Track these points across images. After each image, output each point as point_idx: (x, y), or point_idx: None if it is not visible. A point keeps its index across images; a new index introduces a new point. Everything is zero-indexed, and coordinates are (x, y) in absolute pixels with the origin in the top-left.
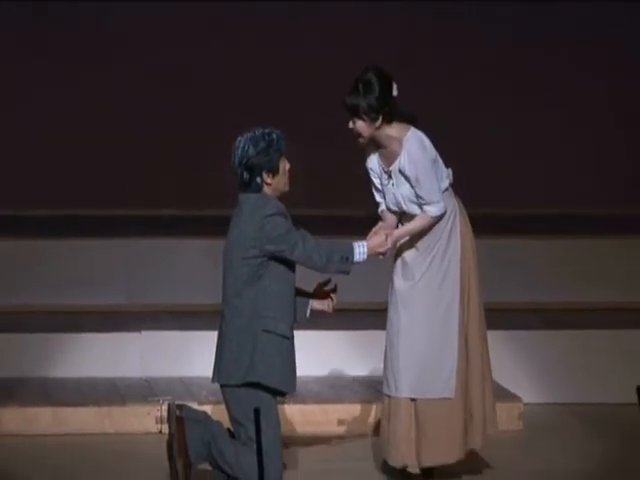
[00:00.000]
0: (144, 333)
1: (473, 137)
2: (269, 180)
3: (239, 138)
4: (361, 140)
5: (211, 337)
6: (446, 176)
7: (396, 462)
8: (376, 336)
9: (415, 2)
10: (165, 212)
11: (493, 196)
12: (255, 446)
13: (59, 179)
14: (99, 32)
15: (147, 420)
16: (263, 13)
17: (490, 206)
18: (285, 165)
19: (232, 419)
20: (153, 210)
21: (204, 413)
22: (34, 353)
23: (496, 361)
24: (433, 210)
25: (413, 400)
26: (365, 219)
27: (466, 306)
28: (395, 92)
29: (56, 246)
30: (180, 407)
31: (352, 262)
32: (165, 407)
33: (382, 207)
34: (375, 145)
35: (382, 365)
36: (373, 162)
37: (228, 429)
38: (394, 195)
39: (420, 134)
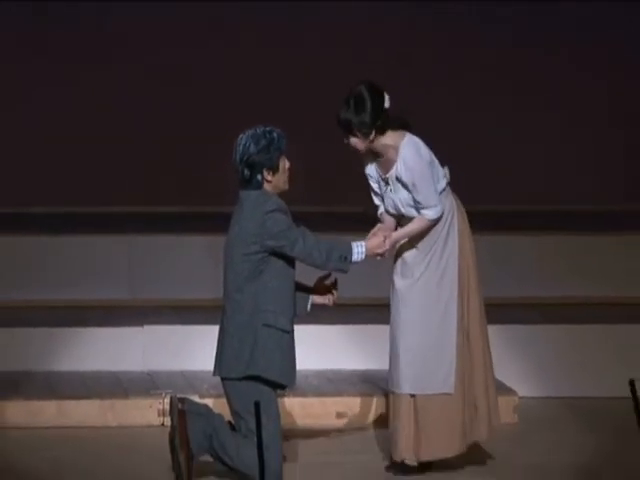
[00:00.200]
0: (146, 328)
1: (472, 136)
2: (269, 177)
3: (241, 135)
4: (358, 152)
5: (212, 331)
6: (443, 176)
7: (396, 456)
8: (374, 331)
9: (415, 2)
10: (166, 209)
11: (491, 193)
12: (255, 438)
13: (64, 178)
14: (99, 32)
15: (149, 413)
16: (263, 13)
17: (488, 203)
18: (285, 164)
19: (233, 412)
20: (155, 207)
21: (205, 406)
22: (38, 347)
23: (492, 355)
24: (430, 214)
25: (413, 396)
26: (363, 216)
27: (466, 303)
28: (387, 104)
29: (60, 243)
30: (182, 400)
31: (350, 262)
32: (167, 400)
33: (381, 210)
34: (372, 153)
35: (380, 359)
36: (371, 169)
37: (229, 422)
38: (392, 200)
39: (415, 140)
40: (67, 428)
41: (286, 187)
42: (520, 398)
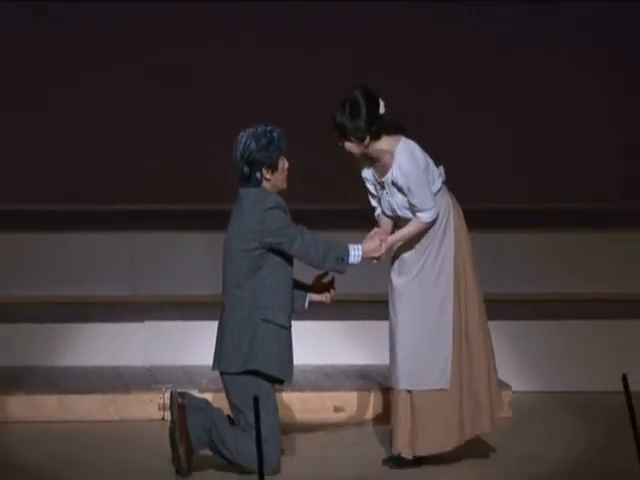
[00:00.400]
0: (147, 323)
1: (467, 136)
2: (268, 176)
3: (241, 133)
4: (352, 155)
5: (212, 327)
6: (438, 175)
7: (393, 450)
8: (371, 326)
9: (415, 2)
10: (167, 207)
11: (488, 192)
12: (254, 432)
13: (67, 176)
14: (99, 32)
15: (150, 407)
16: (263, 13)
17: (482, 202)
18: (284, 163)
19: (232, 406)
20: (156, 205)
21: (205, 400)
22: (41, 342)
23: None
24: (426, 216)
25: (410, 392)
26: (362, 212)
27: (463, 300)
28: (382, 110)
29: (63, 240)
30: (182, 395)
31: (347, 263)
32: (167, 395)
33: (378, 212)
34: (368, 157)
35: (377, 354)
36: (367, 173)
37: (228, 416)
38: (389, 202)
39: (410, 145)
40: (69, 422)
41: (284, 186)
42: (514, 392)
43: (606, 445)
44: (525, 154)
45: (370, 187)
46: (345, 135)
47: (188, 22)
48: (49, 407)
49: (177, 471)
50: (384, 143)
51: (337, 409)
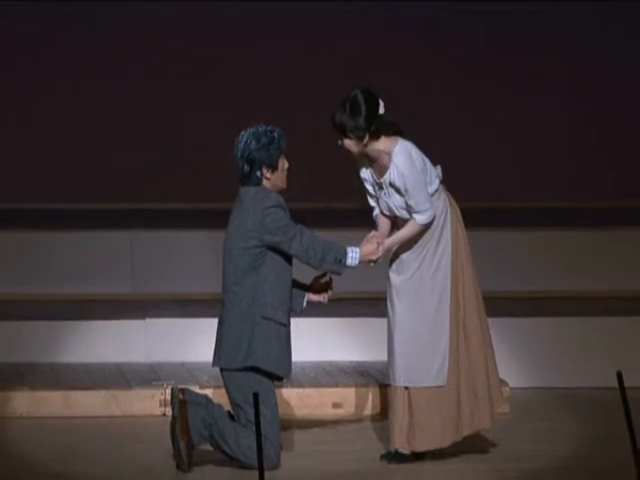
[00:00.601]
0: (148, 320)
1: (466, 134)
2: (268, 175)
3: (242, 133)
4: (351, 154)
5: (212, 324)
6: (435, 176)
7: (390, 446)
8: (370, 324)
9: (415, 2)
10: (168, 206)
11: (486, 191)
12: (254, 428)
13: (70, 176)
14: (99, 32)
15: (152, 403)
16: (263, 13)
17: (480, 200)
18: (284, 163)
19: (232, 402)
20: (156, 204)
21: (206, 396)
22: (44, 339)
23: None
24: (422, 218)
25: (407, 388)
26: (360, 211)
27: (461, 297)
28: (382, 110)
29: (66, 239)
30: (183, 391)
31: (345, 265)
32: (169, 391)
33: (376, 211)
34: (366, 157)
35: (375, 351)
36: (366, 173)
37: (228, 412)
38: (387, 203)
39: (408, 146)
40: (72, 418)
41: (284, 186)
42: (511, 388)
43: (602, 440)
44: (522, 153)
45: (369, 187)
46: (344, 133)
47: (188, 22)
48: (52, 403)
49: (178, 466)
50: (382, 144)
51: (336, 405)
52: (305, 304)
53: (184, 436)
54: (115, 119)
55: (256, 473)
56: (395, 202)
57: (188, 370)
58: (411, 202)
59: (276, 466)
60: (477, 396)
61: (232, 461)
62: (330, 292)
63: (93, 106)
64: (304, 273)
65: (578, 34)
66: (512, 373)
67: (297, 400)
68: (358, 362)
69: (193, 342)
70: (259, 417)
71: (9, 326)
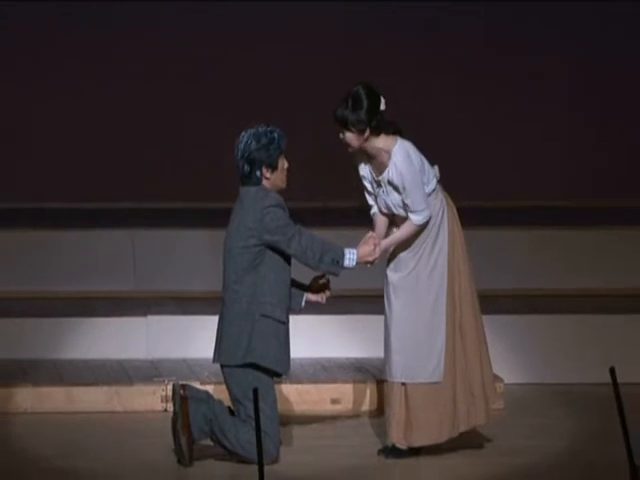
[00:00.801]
0: (150, 318)
1: (464, 134)
2: (268, 175)
3: (243, 133)
4: (350, 149)
5: (212, 321)
6: (433, 176)
7: (388, 441)
8: (367, 321)
9: (415, 2)
10: (169, 205)
11: (483, 191)
12: (254, 423)
13: (71, 175)
14: (99, 31)
15: (153, 399)
16: (263, 13)
17: (476, 199)
18: (284, 163)
19: (232, 398)
20: (158, 203)
21: (206, 392)
22: (47, 336)
23: None
24: (418, 219)
25: (404, 384)
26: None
27: (457, 295)
28: (383, 107)
29: (69, 237)
30: (184, 387)
31: (342, 266)
32: (170, 387)
33: (374, 210)
34: (366, 155)
35: (372, 348)
36: (365, 170)
37: (228, 407)
38: (385, 200)
39: (406, 146)
40: (74, 413)
41: (284, 186)
42: (505, 384)
43: (595, 435)
44: (522, 153)
45: (367, 185)
46: (346, 126)
47: (188, 22)
48: (55, 398)
49: (179, 461)
50: (382, 141)
51: (334, 401)
52: (304, 304)
53: (185, 431)
54: (115, 119)
55: (255, 467)
56: (393, 200)
57: (189, 366)
58: (408, 201)
59: (275, 460)
60: (473, 394)
61: (232, 456)
62: (328, 292)
63: (93, 106)
64: (303, 273)
65: (578, 34)
66: (507, 369)
67: (296, 396)
68: (356, 358)
69: (194, 339)
70: (258, 412)
71: (13, 323)
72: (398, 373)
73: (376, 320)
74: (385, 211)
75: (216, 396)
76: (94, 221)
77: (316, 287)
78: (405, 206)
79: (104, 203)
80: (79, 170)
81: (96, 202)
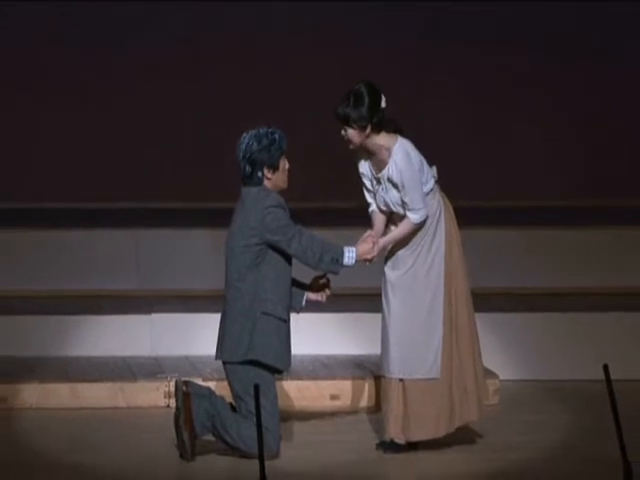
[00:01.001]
0: (153, 315)
1: (467, 135)
2: (269, 175)
3: (244, 134)
4: (351, 146)
5: (215, 319)
6: (431, 176)
7: (386, 436)
8: (366, 318)
9: (415, 2)
10: (172, 205)
11: (483, 190)
12: (255, 419)
13: (75, 176)
14: (99, 31)
15: (156, 395)
16: (263, 13)
17: (473, 199)
18: (285, 164)
19: (234, 394)
20: (161, 203)
21: (208, 389)
22: (53, 334)
23: None
24: (416, 217)
25: (402, 380)
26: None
27: (453, 294)
28: (384, 104)
29: (74, 237)
30: (186, 383)
31: (342, 265)
32: (173, 383)
33: (373, 207)
34: (366, 152)
35: (371, 345)
36: (365, 167)
37: (230, 403)
38: (383, 198)
39: (406, 145)
40: (79, 409)
41: (285, 186)
42: (501, 381)
43: (589, 431)
44: (522, 152)
45: (367, 182)
46: (348, 122)
47: (188, 22)
48: (61, 395)
49: (181, 455)
50: (383, 139)
51: (333, 397)
52: (304, 303)
53: (187, 427)
54: (116, 119)
55: (256, 462)
56: (392, 198)
57: (192, 363)
58: (406, 199)
59: (276, 455)
60: (466, 390)
61: (233, 451)
62: (328, 291)
63: (94, 106)
64: (303, 273)
65: (578, 34)
66: (502, 366)
67: (296, 392)
68: (354, 355)
69: (196, 336)
70: (259, 408)
71: (19, 321)
72: (396, 369)
73: (375, 318)
74: (384, 208)
75: (218, 392)
76: (99, 221)
77: (316, 286)
78: (403, 204)
79: (106, 203)
80: (79, 170)
81: (97, 202)
